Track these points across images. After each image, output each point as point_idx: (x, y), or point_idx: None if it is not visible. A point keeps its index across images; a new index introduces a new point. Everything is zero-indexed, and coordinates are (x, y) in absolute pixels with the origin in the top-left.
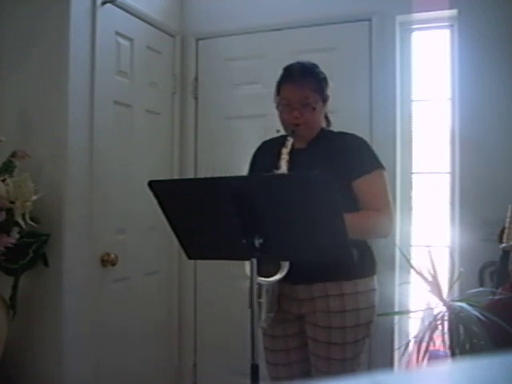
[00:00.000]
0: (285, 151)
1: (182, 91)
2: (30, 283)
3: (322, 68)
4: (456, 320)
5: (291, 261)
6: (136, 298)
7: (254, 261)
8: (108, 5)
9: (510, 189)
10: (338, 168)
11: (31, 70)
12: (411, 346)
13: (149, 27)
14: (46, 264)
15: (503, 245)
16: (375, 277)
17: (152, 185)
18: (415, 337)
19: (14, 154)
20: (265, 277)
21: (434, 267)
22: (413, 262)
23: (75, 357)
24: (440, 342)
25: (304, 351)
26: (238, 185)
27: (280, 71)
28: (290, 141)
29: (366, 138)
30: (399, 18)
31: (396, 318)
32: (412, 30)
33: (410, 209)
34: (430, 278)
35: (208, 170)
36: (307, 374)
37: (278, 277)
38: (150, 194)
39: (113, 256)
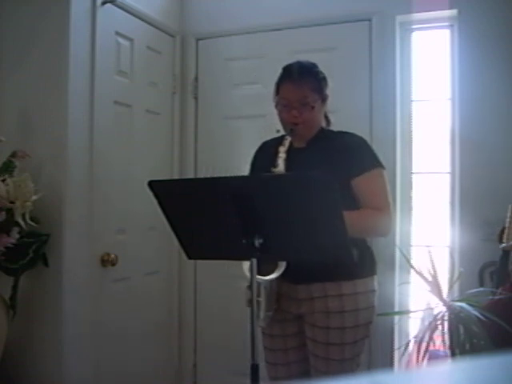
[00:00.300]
0: (282, 149)
1: (182, 91)
2: (30, 283)
3: (322, 68)
4: (456, 320)
5: (291, 261)
6: (136, 298)
7: (254, 261)
8: (108, 5)
9: (510, 189)
10: (338, 167)
11: (31, 70)
12: (411, 346)
13: (149, 27)
14: (46, 264)
15: (503, 245)
16: (375, 277)
17: (152, 185)
18: (415, 337)
19: (13, 154)
20: (263, 275)
21: (434, 267)
22: (413, 262)
23: (75, 357)
24: (440, 341)
25: (303, 351)
26: (237, 185)
27: (280, 71)
28: (287, 139)
29: (366, 138)
30: (399, 18)
31: (396, 318)
32: (412, 30)
33: (410, 209)
34: (429, 278)
35: (208, 169)
36: (306, 374)
37: (275, 275)
38: (150, 193)
39: (113, 256)
